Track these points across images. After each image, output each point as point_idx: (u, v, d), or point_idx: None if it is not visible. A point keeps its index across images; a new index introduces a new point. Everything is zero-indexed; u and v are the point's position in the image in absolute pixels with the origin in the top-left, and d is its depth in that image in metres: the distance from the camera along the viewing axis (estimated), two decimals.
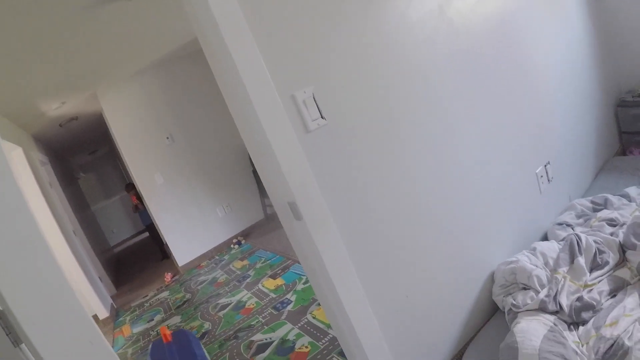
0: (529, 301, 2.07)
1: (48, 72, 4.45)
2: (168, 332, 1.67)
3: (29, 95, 4.98)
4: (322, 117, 1.74)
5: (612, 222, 2.47)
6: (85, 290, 5.65)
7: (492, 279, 2.35)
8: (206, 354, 1.27)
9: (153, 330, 4.79)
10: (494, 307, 2.35)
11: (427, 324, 2.11)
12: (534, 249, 2.37)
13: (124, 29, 4.10)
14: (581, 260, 2.17)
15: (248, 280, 4.98)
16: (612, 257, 2.20)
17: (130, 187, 7.84)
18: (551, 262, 2.26)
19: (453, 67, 2.24)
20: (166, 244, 6.88)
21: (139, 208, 7.62)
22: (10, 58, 3.64)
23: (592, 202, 2.78)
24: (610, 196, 2.75)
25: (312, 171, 1.72)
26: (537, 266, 2.22)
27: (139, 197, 7.31)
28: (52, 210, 5.51)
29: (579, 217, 2.71)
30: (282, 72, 1.67)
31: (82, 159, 12.60)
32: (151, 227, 7.69)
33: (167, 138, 6.57)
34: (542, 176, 2.71)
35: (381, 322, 1.92)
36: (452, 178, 2.20)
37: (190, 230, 6.76)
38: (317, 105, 1.73)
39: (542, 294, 2.06)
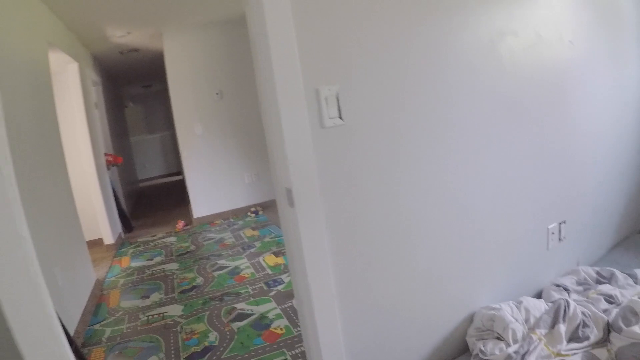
0: (497, 352, 2.06)
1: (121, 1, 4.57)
2: None
3: (98, 17, 5.15)
4: (340, 117, 1.76)
5: (610, 299, 2.42)
6: (99, 213, 5.83)
7: (471, 318, 2.34)
8: None
9: (149, 270, 4.92)
10: (465, 347, 2.34)
11: (393, 343, 2.11)
12: (520, 302, 2.34)
13: None
14: (562, 327, 2.14)
15: (252, 250, 5.06)
16: (594, 334, 2.16)
17: None
18: (532, 321, 2.24)
19: (489, 104, 2.23)
20: (189, 195, 6.99)
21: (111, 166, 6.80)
22: None
23: (597, 273, 2.73)
24: (617, 272, 2.68)
25: (316, 165, 1.75)
26: (516, 320, 2.19)
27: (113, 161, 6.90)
28: (90, 129, 5.67)
29: (579, 284, 2.66)
30: (312, 64, 1.70)
31: (135, 90, 12.87)
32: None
33: (217, 94, 6.69)
34: (553, 233, 2.67)
35: (345, 326, 1.93)
36: (457, 209, 2.19)
37: (213, 186, 6.88)
38: (338, 105, 1.75)
39: (512, 348, 2.04)
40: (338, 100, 1.74)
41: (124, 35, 6.13)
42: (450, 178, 2.15)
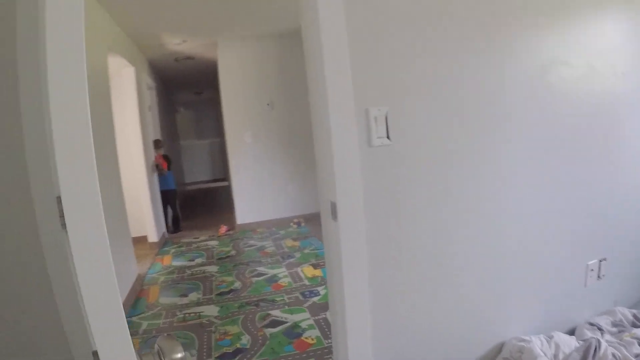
0: None
1: (179, 9, 4.81)
2: None
3: (156, 25, 5.42)
4: (387, 137, 1.83)
5: None
6: (146, 212, 6.04)
7: (500, 348, 2.35)
8: None
9: (189, 270, 5.07)
10: None
11: None
12: (551, 337, 2.33)
13: None
14: None
15: (291, 260, 5.17)
16: None
17: (159, 144, 7.01)
18: (561, 357, 2.23)
19: (535, 132, 2.25)
20: (233, 201, 7.13)
21: (161, 170, 6.85)
22: None
23: (634, 316, 2.68)
24: None
25: (362, 181, 1.82)
26: (545, 354, 2.19)
27: (167, 159, 7.01)
28: (143, 131, 5.91)
29: (614, 325, 2.63)
30: (363, 85, 1.78)
31: (186, 97, 13.24)
32: (169, 194, 7.10)
33: (268, 104, 6.86)
34: (592, 270, 2.65)
35: (376, 341, 1.97)
36: (496, 236, 2.21)
37: (258, 194, 7.05)
38: (386, 125, 1.82)
39: None
40: (387, 121, 1.81)
41: (180, 43, 6.40)
42: (492, 205, 2.18)
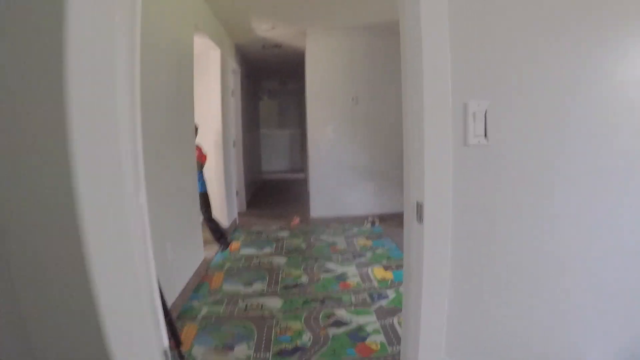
0: None
1: None
2: None
3: (246, 8, 5.38)
4: (485, 136, 1.64)
5: None
6: (218, 197, 6.00)
7: None
8: None
9: (257, 259, 5.02)
10: None
11: None
12: None
13: None
14: None
15: (362, 259, 4.99)
16: None
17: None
18: None
19: None
20: (309, 194, 7.00)
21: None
22: None
23: None
24: None
25: (453, 183, 1.64)
26: None
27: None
28: (223, 115, 5.87)
29: None
30: (463, 75, 1.60)
31: (271, 85, 13.34)
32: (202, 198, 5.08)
33: (352, 99, 6.69)
34: None
35: (450, 354, 1.79)
36: (594, 254, 1.92)
37: (335, 189, 6.90)
38: (485, 123, 1.63)
39: None
40: (486, 118, 1.63)
41: (269, 30, 6.36)
42: (596, 223, 1.89)
